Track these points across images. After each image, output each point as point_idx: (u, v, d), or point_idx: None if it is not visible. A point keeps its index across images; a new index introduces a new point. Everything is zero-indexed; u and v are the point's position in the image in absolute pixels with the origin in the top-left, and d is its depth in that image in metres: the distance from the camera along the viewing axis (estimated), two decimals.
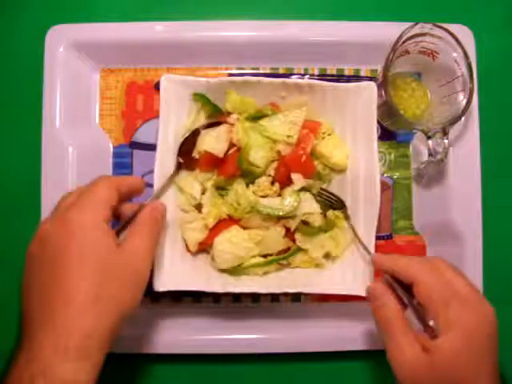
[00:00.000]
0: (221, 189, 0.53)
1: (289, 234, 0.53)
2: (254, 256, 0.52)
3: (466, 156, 0.56)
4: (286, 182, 0.52)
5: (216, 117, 0.54)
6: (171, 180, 0.52)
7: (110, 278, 0.38)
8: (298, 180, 0.51)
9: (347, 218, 0.53)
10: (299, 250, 0.53)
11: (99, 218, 0.39)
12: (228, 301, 0.57)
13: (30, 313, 0.38)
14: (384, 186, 0.57)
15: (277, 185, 0.52)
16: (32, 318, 0.37)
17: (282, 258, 0.53)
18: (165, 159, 0.51)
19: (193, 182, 0.53)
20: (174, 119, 0.53)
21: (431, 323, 0.39)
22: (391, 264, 0.44)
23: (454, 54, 0.53)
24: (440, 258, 0.43)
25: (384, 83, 0.52)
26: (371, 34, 0.56)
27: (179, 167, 0.52)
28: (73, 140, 0.55)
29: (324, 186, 0.55)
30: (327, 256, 0.53)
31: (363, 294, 0.48)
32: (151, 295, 0.57)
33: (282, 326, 0.55)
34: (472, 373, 0.38)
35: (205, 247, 0.53)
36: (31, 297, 0.38)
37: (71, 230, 0.38)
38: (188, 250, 0.53)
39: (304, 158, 0.51)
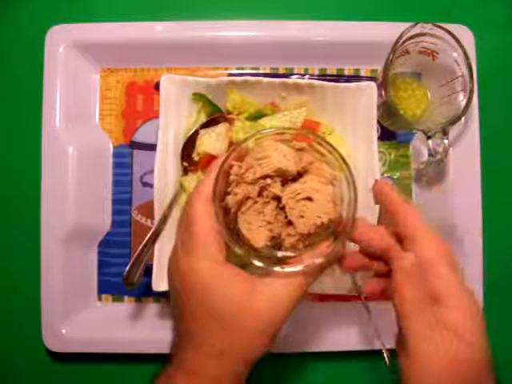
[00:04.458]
0: None
1: None
2: None
3: (466, 156, 0.56)
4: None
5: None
6: (174, 201, 0.52)
7: (238, 332, 0.36)
8: None
9: None
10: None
11: (212, 262, 0.36)
12: None
13: (176, 336, 0.40)
14: None
15: None
16: (174, 345, 0.40)
17: None
18: (165, 159, 0.52)
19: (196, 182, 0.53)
20: (174, 119, 0.53)
21: None
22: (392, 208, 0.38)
23: (454, 54, 0.52)
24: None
25: (384, 83, 0.52)
26: (371, 34, 0.56)
27: (186, 171, 0.53)
28: (73, 140, 0.55)
29: None
30: None
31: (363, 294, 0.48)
32: (152, 295, 0.57)
33: None
34: None
35: None
36: (176, 322, 0.40)
37: (188, 283, 0.36)
38: None
39: None
